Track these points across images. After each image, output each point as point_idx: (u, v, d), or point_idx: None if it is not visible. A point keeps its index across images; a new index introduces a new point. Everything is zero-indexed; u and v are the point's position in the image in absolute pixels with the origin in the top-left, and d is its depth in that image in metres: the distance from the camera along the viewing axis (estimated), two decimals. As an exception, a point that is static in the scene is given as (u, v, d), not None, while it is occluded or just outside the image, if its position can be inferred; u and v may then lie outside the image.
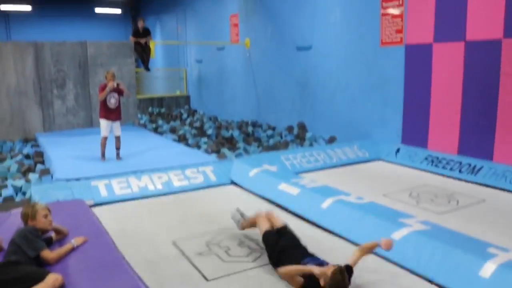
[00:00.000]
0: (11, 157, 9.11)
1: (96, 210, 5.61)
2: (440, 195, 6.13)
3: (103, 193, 6.02)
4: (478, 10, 6.94)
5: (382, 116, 8.84)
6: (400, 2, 8.14)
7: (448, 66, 7.50)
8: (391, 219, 4.46)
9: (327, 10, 9.94)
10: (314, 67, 10.49)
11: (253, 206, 5.54)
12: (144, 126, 12.99)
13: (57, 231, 3.91)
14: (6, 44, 11.10)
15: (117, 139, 8.20)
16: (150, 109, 16.90)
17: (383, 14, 8.52)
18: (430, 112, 7.89)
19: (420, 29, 7.88)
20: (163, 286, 3.70)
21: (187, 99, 17.76)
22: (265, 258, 4.10)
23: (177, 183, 6.48)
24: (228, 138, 10.80)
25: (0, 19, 21.15)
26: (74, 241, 3.65)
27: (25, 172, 7.87)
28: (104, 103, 8.01)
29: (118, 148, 8.25)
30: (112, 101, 8.02)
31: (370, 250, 3.73)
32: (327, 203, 5.06)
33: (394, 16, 8.31)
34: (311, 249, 4.04)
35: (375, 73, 8.88)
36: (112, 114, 8.07)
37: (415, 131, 8.20)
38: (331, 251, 4.33)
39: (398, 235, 4.13)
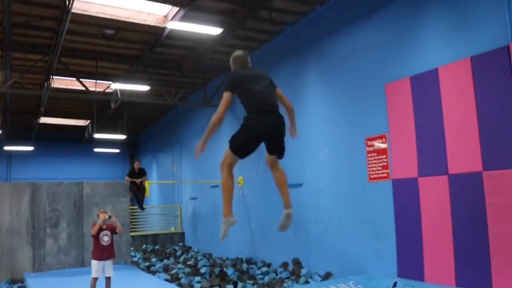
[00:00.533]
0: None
1: None
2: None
3: None
4: (456, 146, 7.34)
5: (376, 249, 8.81)
6: (384, 140, 8.62)
7: (435, 198, 7.70)
8: None
9: (316, 148, 10.44)
10: (306, 203, 10.67)
11: None
12: (137, 264, 12.76)
13: None
14: (4, 185, 11.38)
15: (108, 280, 8.04)
16: (144, 246, 16.71)
17: (369, 152, 8.96)
18: (423, 244, 7.90)
19: (404, 164, 8.24)
20: None
21: (181, 235, 17.67)
22: None
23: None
24: (222, 276, 10.58)
25: (2, 159, 21.82)
26: None
27: (9, 318, 7.58)
28: (96, 240, 8.06)
29: None
30: (105, 239, 8.08)
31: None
32: None
33: (379, 153, 8.73)
34: None
35: (366, 207, 9.05)
36: (104, 252, 8.06)
37: (410, 263, 8.11)
38: None
39: None
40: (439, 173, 7.61)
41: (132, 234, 16.10)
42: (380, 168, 8.71)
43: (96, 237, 8.12)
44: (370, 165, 8.95)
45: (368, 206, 9.00)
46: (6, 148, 19.89)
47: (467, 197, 7.20)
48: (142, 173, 12.96)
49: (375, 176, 8.83)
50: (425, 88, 7.90)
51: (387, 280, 8.16)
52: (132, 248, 15.78)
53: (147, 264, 12.85)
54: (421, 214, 7.94)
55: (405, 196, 8.20)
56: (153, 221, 19.28)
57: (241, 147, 4.36)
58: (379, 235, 8.75)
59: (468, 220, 7.20)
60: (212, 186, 15.09)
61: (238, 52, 4.81)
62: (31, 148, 20.88)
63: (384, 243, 8.63)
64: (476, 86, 7.09)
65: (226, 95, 4.42)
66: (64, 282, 9.81)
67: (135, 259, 13.80)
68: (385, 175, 8.60)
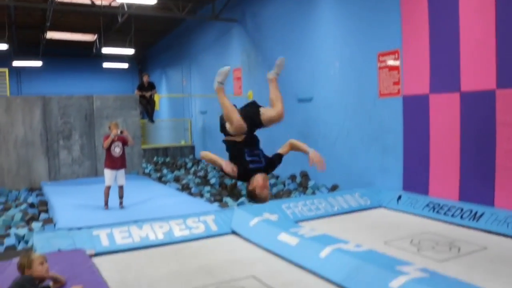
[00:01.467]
0: (16, 206, 9.23)
1: (97, 260, 5.66)
2: (442, 242, 6.12)
3: (105, 242, 6.07)
4: (470, 63, 7.18)
5: (383, 164, 8.95)
6: (396, 55, 8.43)
7: (445, 116, 7.67)
8: (389, 267, 4.47)
9: (327, 63, 10.27)
10: (315, 118, 10.71)
11: (253, 257, 5.58)
12: (149, 175, 13.13)
13: (55, 280, 3.96)
14: (15, 98, 11.47)
15: (121, 188, 8.37)
16: (155, 158, 17.10)
17: (380, 67, 8.80)
18: (430, 160, 8.00)
19: (416, 81, 8.12)
20: None
21: (191, 149, 17.98)
22: None
23: (178, 233, 6.52)
24: (231, 187, 10.89)
25: (12, 75, 21.80)
26: None
27: (28, 221, 7.96)
28: (108, 152, 8.29)
29: (121, 197, 8.41)
30: (117, 150, 8.29)
31: (299, 148, 4.36)
32: (325, 252, 5.08)
33: (391, 69, 8.57)
34: None
35: (375, 123, 9.07)
36: (116, 163, 8.32)
37: (416, 178, 8.28)
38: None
39: (396, 283, 4.14)
40: (451, 90, 7.51)
41: (143, 147, 16.44)
42: (391, 84, 8.60)
43: (108, 149, 8.32)
44: (381, 81, 8.83)
45: (377, 122, 9.01)
46: (15, 63, 19.78)
47: (478, 115, 7.16)
48: (151, 86, 12.92)
49: (385, 92, 8.75)
50: (443, 1, 7.57)
51: (392, 193, 8.38)
52: (143, 160, 16.19)
53: (158, 175, 13.22)
54: (430, 131, 7.96)
55: (415, 113, 8.18)
56: (164, 134, 19.57)
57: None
58: (386, 150, 8.85)
59: (476, 137, 7.22)
60: (222, 100, 15.07)
61: None
62: (39, 64, 20.75)
63: (391, 158, 8.75)
64: (497, 1, 6.77)
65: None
66: (79, 190, 10.19)
67: (146, 170, 14.17)
68: (396, 91, 8.51)
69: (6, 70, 13.71)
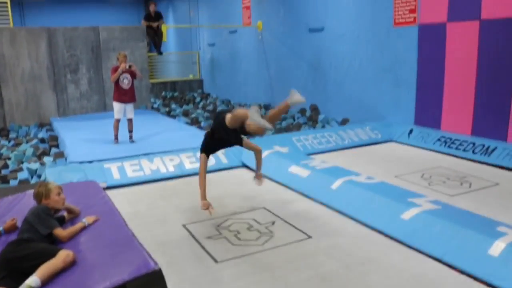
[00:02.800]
0: (27, 142, 9.26)
1: (109, 193, 5.69)
2: (453, 177, 6.07)
3: (116, 175, 6.10)
4: (493, -12, 6.80)
5: (395, 97, 8.77)
6: (413, -20, 8.01)
7: (462, 45, 7.38)
8: (401, 199, 4.45)
9: (340, -10, 9.82)
10: (326, 49, 10.41)
11: (264, 188, 5.57)
12: (157, 110, 13.07)
13: (69, 211, 3.97)
14: (20, 30, 11.20)
15: (130, 121, 8.31)
16: (163, 93, 16.96)
17: (396, -6, 8.40)
18: (444, 93, 7.80)
19: (433, 8, 7.75)
20: (173, 266, 3.75)
21: (200, 83, 17.78)
22: (273, 242, 4.15)
23: (188, 166, 6.51)
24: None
25: (14, 7, 21.30)
26: (86, 220, 3.70)
27: (40, 156, 8.00)
28: (117, 84, 8.14)
29: (130, 131, 8.36)
30: (125, 82, 8.13)
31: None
32: (336, 184, 5.07)
33: (407, -5, 8.18)
34: (320, 229, 4.14)
35: (388, 54, 8.79)
36: (125, 95, 8.19)
37: (428, 112, 8.12)
38: (340, 231, 4.36)
39: (407, 215, 4.13)
40: (470, 18, 7.18)
41: (151, 81, 16.26)
42: (407, 11, 8.23)
43: (116, 81, 8.16)
44: (396, 8, 8.45)
45: (391, 53, 8.72)
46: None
47: (497, 46, 6.87)
48: (158, 16, 12.53)
49: (401, 20, 8.39)
50: None
51: (403, 127, 8.27)
52: (151, 95, 16.05)
53: (167, 109, 13.14)
54: (445, 62, 7.70)
55: (431, 43, 7.88)
56: (172, 68, 19.28)
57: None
58: (399, 82, 8.63)
59: (494, 69, 6.97)
60: (231, 32, 14.71)
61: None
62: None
63: (404, 91, 8.55)
64: None
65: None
66: (88, 125, 10.17)
67: (155, 105, 14.08)
68: (412, 19, 8.16)
69: (8, 1, 13.34)
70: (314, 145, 7.52)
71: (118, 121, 8.28)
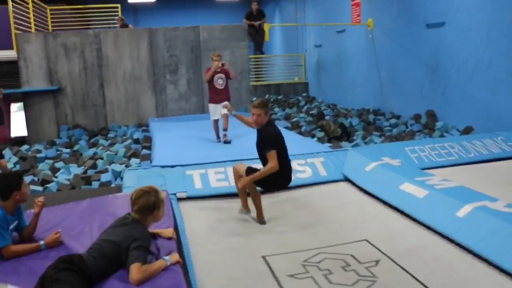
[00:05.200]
0: (122, 142, 9.08)
1: (187, 206, 5.05)
2: None
3: (198, 184, 5.42)
4: None
5: (536, 102, 7.21)
6: None
7: None
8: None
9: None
10: (448, 46, 9.00)
11: (367, 211, 4.58)
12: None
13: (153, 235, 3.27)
14: (123, 31, 11.21)
15: (225, 117, 7.69)
16: (267, 96, 16.38)
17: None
18: None
19: None
20: None
21: (305, 85, 16.95)
22: None
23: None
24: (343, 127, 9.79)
25: (129, 12, 22.19)
26: (169, 258, 2.91)
27: (130, 157, 7.69)
28: (211, 85, 7.85)
29: (225, 129, 7.85)
30: (219, 82, 7.83)
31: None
32: (465, 210, 3.88)
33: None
34: (440, 275, 3.17)
35: (528, 49, 7.25)
36: (219, 95, 7.83)
37: None
38: (469, 282, 3.20)
39: None
40: None
41: (254, 83, 15.75)
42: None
43: (211, 81, 7.82)
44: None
45: (532, 49, 7.18)
46: (130, 0, 19.99)
47: None
48: (260, 15, 11.95)
49: (547, 9, 6.85)
50: None
51: (548, 139, 6.69)
52: (254, 98, 15.54)
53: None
54: None
55: None
56: (276, 70, 18.64)
57: None
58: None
59: None
60: (338, 31, 13.69)
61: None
62: (152, 0, 20.86)
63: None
64: None
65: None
66: (185, 126, 9.76)
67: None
68: None
69: (119, 5, 13.60)
70: (432, 157, 6.26)
71: (216, 121, 7.98)
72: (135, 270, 2.67)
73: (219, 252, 3.90)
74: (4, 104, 11.33)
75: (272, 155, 4.25)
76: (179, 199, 5.22)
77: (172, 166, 5.97)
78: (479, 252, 3.48)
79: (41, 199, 3.47)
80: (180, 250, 3.27)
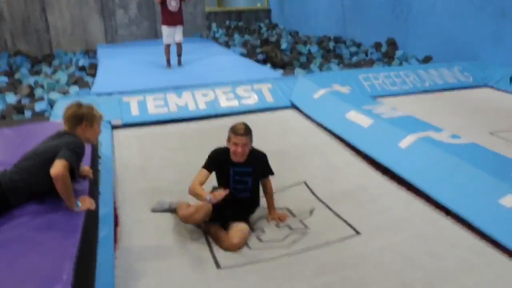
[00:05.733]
0: (66, 69, 8.46)
1: (119, 133, 4.70)
2: None
3: (134, 111, 5.06)
4: None
5: (496, 31, 6.93)
6: None
7: None
8: (501, 172, 3.02)
9: None
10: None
11: (311, 142, 4.32)
12: (216, 39, 11.86)
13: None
14: None
15: (178, 45, 7.66)
16: (227, 22, 15.65)
17: None
18: None
19: None
20: (162, 271, 2.62)
21: (268, 12, 16.25)
22: (305, 242, 2.84)
23: (224, 103, 5.33)
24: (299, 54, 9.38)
25: None
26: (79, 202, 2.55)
27: (72, 85, 7.16)
28: (164, 7, 7.43)
29: (179, 55, 7.75)
30: (173, 4, 7.42)
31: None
32: (407, 141, 3.65)
33: None
34: (376, 217, 3.00)
35: (493, -26, 6.88)
36: (172, 18, 7.47)
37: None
38: (405, 222, 3.01)
39: (510, 200, 2.72)
40: None
41: (214, 10, 14.98)
42: None
43: (163, 3, 7.38)
44: None
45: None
46: None
47: None
48: None
49: None
50: None
51: (504, 69, 6.51)
52: (214, 24, 14.83)
53: (226, 39, 11.90)
54: None
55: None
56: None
57: None
58: (505, 13, 6.76)
59: None
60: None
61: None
62: None
63: (509, 24, 6.69)
64: None
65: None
66: (135, 52, 9.18)
67: (217, 35, 12.88)
68: None
69: None
70: (386, 85, 6.02)
71: (168, 46, 7.61)
72: (60, 164, 2.35)
73: (143, 187, 3.59)
74: None
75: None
76: (114, 127, 4.87)
77: (109, 94, 5.54)
78: (417, 185, 3.29)
79: None
80: (95, 190, 2.92)
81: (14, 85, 7.52)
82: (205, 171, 3.02)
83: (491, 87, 6.45)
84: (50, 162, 2.39)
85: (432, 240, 2.76)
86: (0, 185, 2.39)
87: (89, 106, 2.77)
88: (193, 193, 2.91)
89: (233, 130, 3.03)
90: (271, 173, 3.20)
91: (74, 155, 2.48)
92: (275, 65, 8.29)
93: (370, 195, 3.41)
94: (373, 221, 3.04)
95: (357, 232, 2.91)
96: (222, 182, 3.08)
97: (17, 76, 8.19)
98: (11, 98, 6.62)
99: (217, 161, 3.07)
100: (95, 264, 2.26)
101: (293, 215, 3.23)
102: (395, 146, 3.67)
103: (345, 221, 3.06)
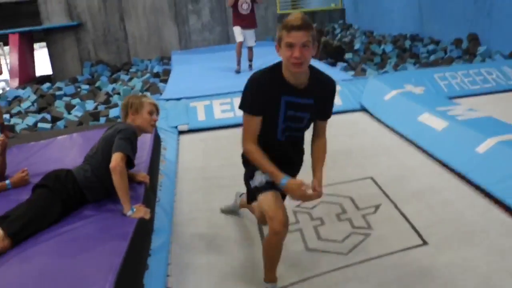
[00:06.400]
0: (141, 76, 8.78)
1: (186, 139, 4.74)
2: None
3: (201, 116, 5.09)
4: None
5: None
6: None
7: None
8: None
9: None
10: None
11: (379, 144, 4.10)
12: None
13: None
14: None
15: (250, 49, 7.66)
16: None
17: None
18: None
19: None
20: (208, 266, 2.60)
21: (342, 12, 15.90)
22: (365, 247, 2.64)
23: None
24: (372, 55, 9.04)
25: None
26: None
27: (146, 91, 7.40)
28: (235, 9, 7.46)
29: (250, 60, 7.72)
30: (244, 6, 7.42)
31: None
32: (486, 145, 3.32)
33: None
34: (446, 228, 2.75)
35: None
36: (244, 21, 7.47)
37: None
38: (479, 235, 2.68)
39: None
40: None
41: (287, 11, 14.88)
42: None
43: (235, 5, 7.44)
44: None
45: None
46: None
47: None
48: None
49: None
50: None
51: None
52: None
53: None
54: None
55: None
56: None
57: None
58: None
59: None
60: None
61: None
62: None
63: None
64: None
65: None
66: (208, 57, 9.34)
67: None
68: None
69: None
70: (465, 85, 5.60)
71: (240, 44, 7.57)
72: (119, 157, 2.46)
73: (206, 190, 3.57)
74: (28, 44, 11.14)
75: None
76: (181, 132, 4.94)
77: (178, 99, 5.63)
78: (496, 196, 2.95)
79: (1, 137, 3.21)
80: (151, 198, 2.93)
81: (93, 93, 7.91)
82: (255, 118, 2.10)
83: None
84: (109, 154, 2.51)
85: (511, 257, 2.47)
86: (76, 182, 2.56)
87: (137, 96, 2.88)
88: (263, 167, 2.11)
89: (286, 24, 2.04)
90: (329, 115, 2.29)
91: (127, 143, 2.55)
92: (329, 55, 8.19)
93: (443, 198, 3.14)
94: (444, 229, 2.78)
95: (425, 242, 2.67)
96: (265, 125, 2.14)
97: (97, 84, 8.62)
98: (90, 105, 6.97)
99: (261, 92, 2.07)
100: (143, 275, 2.22)
101: (357, 207, 3.08)
102: (472, 151, 3.35)
103: (412, 226, 2.84)
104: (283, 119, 2.12)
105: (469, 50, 8.28)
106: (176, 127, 4.92)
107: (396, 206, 3.07)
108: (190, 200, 3.38)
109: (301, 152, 2.39)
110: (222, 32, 10.88)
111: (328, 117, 2.30)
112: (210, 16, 10.74)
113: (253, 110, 2.11)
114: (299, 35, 1.98)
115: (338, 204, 3.18)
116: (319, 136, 2.31)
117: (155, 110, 2.85)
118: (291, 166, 2.28)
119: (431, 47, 9.20)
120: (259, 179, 2.20)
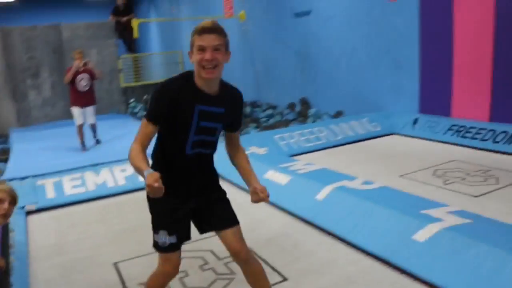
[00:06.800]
0: (-25, 156, 8.05)
1: (35, 218, 4.47)
2: (473, 172, 4.83)
3: (50, 194, 4.84)
4: None
5: (395, 83, 7.51)
6: None
7: (474, 15, 6.12)
8: (412, 211, 3.19)
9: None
10: (315, 34, 9.15)
11: (233, 202, 4.33)
12: (134, 114, 11.83)
13: None
14: (-31, 32, 10.03)
15: (92, 126, 7.44)
16: (145, 96, 15.70)
17: (391, -39, 7.16)
18: (453, 73, 6.55)
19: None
20: None
21: (185, 83, 16.51)
22: None
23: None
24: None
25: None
26: None
27: (-20, 173, 6.78)
28: (73, 86, 7.17)
29: (95, 136, 7.56)
30: (82, 84, 7.16)
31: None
32: (323, 193, 3.78)
33: (403, -39, 6.94)
34: (301, 263, 2.92)
35: (385, 33, 7.53)
36: (82, 98, 7.22)
37: (435, 97, 6.86)
38: (328, 266, 3.07)
39: (422, 235, 2.86)
40: (481, -21, 5.94)
41: (131, 85, 15.01)
42: (404, -20, 6.99)
43: (72, 83, 7.19)
44: (391, -22, 7.22)
45: (388, 32, 7.46)
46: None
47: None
48: (128, 10, 11.31)
49: (397, -8, 7.15)
50: None
51: (407, 116, 7.02)
52: (132, 99, 14.81)
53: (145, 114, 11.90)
54: (454, 37, 6.45)
55: (435, 15, 6.62)
56: (154, 69, 18.02)
57: None
58: (399, 66, 7.38)
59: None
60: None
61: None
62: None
63: (405, 75, 7.30)
64: None
65: None
66: (50, 134, 8.96)
67: (135, 110, 12.87)
68: (410, -11, 6.92)
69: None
70: (301, 143, 6.25)
71: (81, 126, 7.28)
72: None
73: (63, 265, 3.40)
74: None
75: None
76: (29, 213, 4.63)
77: (22, 178, 5.29)
78: (337, 234, 3.39)
79: None
80: (5, 283, 2.73)
81: None
82: (150, 126, 2.00)
83: (397, 133, 6.90)
84: None
85: (357, 280, 2.84)
86: None
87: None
88: (133, 163, 1.94)
89: (197, 28, 2.01)
90: (240, 127, 2.31)
91: None
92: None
93: (294, 241, 3.47)
94: (299, 265, 3.09)
95: (285, 278, 2.93)
96: (174, 137, 2.06)
97: None
98: None
99: (170, 99, 1.97)
100: None
101: (218, 257, 3.25)
102: (313, 199, 3.78)
103: (271, 266, 3.08)
104: (195, 130, 2.04)
105: (302, 112, 9.25)
106: (23, 207, 4.60)
107: (255, 253, 3.29)
108: (46, 278, 3.18)
109: (212, 172, 2.33)
110: (65, 106, 10.52)
111: (240, 126, 2.30)
112: (51, 90, 10.39)
113: (151, 116, 2.00)
114: (210, 37, 1.96)
115: (200, 257, 3.31)
116: (235, 146, 2.30)
117: (7, 198, 2.60)
118: (197, 184, 2.20)
119: (269, 111, 10.05)
120: (162, 239, 2.17)
